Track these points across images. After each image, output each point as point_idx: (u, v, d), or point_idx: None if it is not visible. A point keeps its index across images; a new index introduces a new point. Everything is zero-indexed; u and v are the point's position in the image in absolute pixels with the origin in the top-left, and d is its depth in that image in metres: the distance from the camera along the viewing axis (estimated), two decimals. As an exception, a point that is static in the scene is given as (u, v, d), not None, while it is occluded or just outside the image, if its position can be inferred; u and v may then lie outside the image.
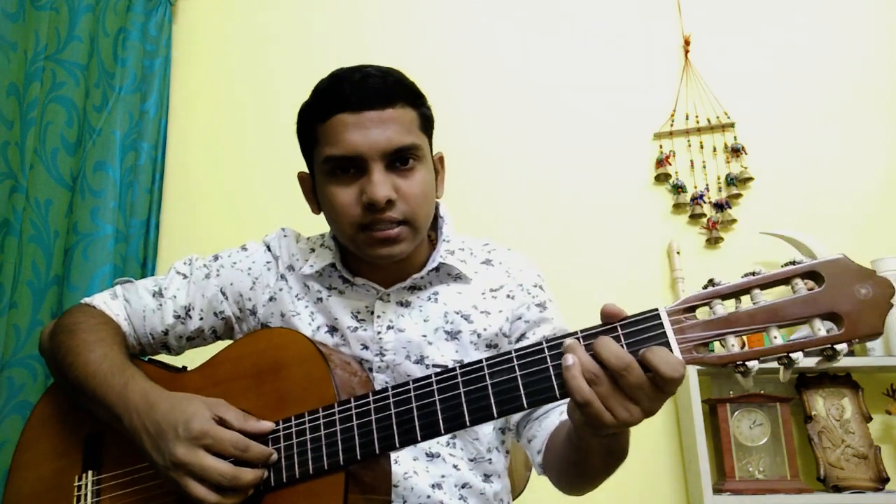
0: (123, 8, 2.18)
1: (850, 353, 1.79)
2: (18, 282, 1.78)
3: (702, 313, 0.73)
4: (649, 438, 1.94)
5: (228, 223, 2.21)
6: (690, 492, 1.87)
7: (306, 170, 1.08)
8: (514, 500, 1.17)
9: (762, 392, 1.86)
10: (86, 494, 0.96)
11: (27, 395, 1.73)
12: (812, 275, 0.69)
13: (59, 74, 1.95)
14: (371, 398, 0.84)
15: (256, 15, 2.42)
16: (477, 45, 2.32)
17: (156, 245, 2.14)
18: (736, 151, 2.12)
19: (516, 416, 1.06)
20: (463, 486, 0.99)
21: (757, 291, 0.70)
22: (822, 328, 0.67)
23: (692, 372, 1.81)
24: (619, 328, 0.74)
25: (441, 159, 1.07)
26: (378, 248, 0.96)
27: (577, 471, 0.94)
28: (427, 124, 1.02)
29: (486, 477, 1.03)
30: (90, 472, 0.98)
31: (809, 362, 1.86)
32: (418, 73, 2.40)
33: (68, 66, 1.96)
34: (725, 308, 0.71)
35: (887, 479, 1.77)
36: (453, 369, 0.81)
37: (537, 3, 2.34)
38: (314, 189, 1.04)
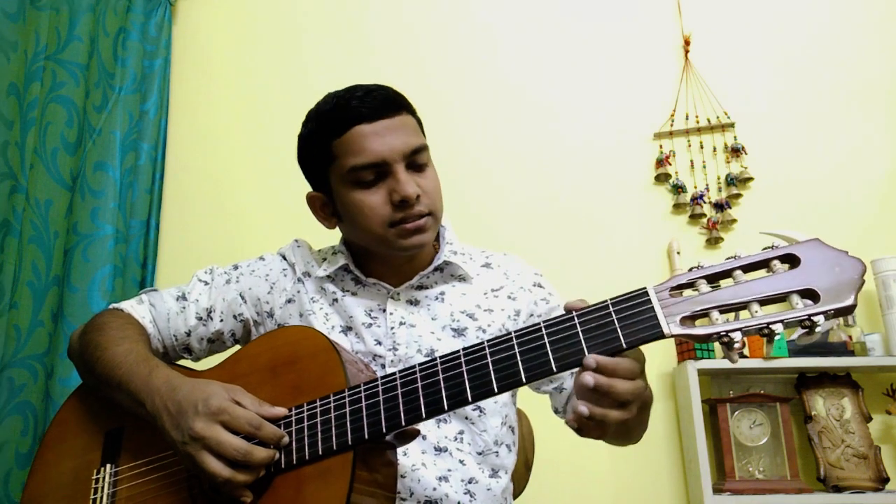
0: (123, 8, 2.18)
1: (850, 353, 1.82)
2: (18, 282, 1.78)
3: (688, 294, 0.77)
4: (649, 438, 1.93)
5: (228, 223, 2.21)
6: (690, 492, 1.87)
7: (305, 181, 1.14)
8: (514, 499, 1.18)
9: (762, 392, 1.87)
10: (103, 486, 1.00)
11: (27, 396, 1.73)
12: (790, 258, 0.74)
13: (60, 74, 1.95)
14: (379, 381, 0.88)
15: (256, 15, 2.43)
16: (477, 46, 2.32)
17: (156, 245, 2.14)
18: (736, 151, 2.12)
19: (561, 400, 1.15)
20: (469, 482, 1.02)
21: (739, 273, 0.75)
22: (799, 303, 0.71)
23: (692, 372, 1.81)
24: (610, 306, 0.78)
25: None
26: (410, 238, 1.04)
27: (624, 434, 1.05)
28: (422, 128, 1.12)
29: (494, 472, 1.06)
30: (108, 466, 1.01)
31: (808, 362, 1.85)
32: (418, 74, 2.42)
33: (68, 66, 1.97)
34: (710, 287, 0.76)
35: (887, 479, 1.77)
36: (457, 352, 0.85)
37: (538, 3, 2.34)
38: (327, 205, 1.12)
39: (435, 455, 1.02)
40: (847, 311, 0.70)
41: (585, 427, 0.80)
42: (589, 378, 0.75)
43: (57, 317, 1.84)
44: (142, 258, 2.08)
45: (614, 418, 0.77)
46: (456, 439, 1.04)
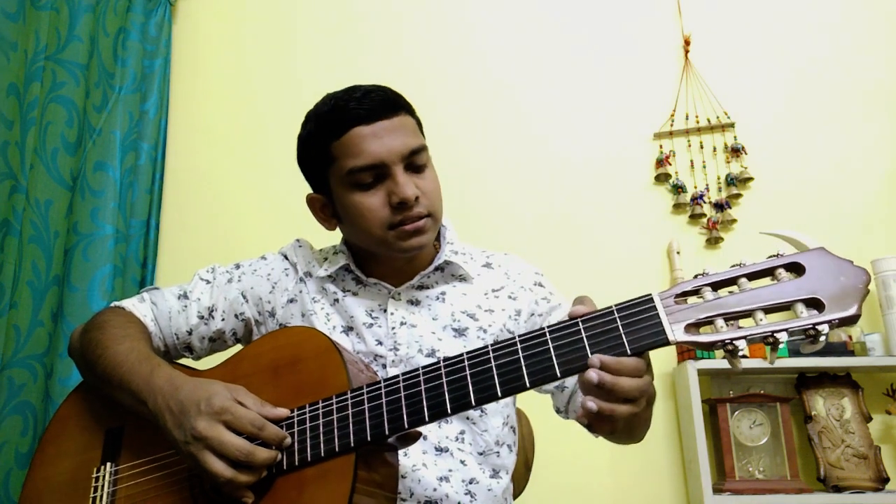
0: (123, 8, 2.18)
1: (850, 353, 1.82)
2: (18, 282, 1.78)
3: (692, 301, 0.78)
4: (649, 438, 1.93)
5: (228, 223, 2.21)
6: (690, 492, 1.87)
7: (306, 181, 1.15)
8: (514, 500, 1.18)
9: (762, 392, 1.87)
10: (103, 485, 0.99)
11: (27, 395, 1.73)
12: (794, 266, 0.74)
13: (60, 74, 1.95)
14: (382, 384, 0.88)
15: (256, 15, 2.43)
16: (476, 46, 2.32)
17: (156, 245, 2.14)
18: (736, 151, 2.12)
19: (562, 399, 1.14)
20: (470, 482, 1.02)
21: (744, 280, 0.76)
22: (804, 311, 0.72)
23: (692, 372, 1.81)
24: (615, 312, 0.79)
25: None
26: (410, 240, 1.04)
27: (628, 433, 1.05)
28: (422, 128, 1.12)
29: (495, 472, 1.06)
30: (108, 465, 1.01)
31: (808, 362, 1.85)
32: (417, 75, 2.41)
33: (68, 66, 1.97)
34: (715, 295, 0.76)
35: (887, 479, 1.77)
36: (460, 355, 0.85)
37: (537, 3, 2.34)
38: (327, 207, 1.12)
39: (436, 455, 1.02)
40: (851, 321, 0.70)
41: (595, 422, 0.80)
42: (593, 374, 0.76)
43: (57, 317, 1.84)
44: (142, 258, 2.08)
45: (623, 413, 0.77)
46: (457, 439, 1.04)
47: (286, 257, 1.20)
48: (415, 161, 1.05)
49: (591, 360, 0.77)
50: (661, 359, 1.98)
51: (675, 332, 0.75)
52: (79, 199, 1.94)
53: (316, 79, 2.29)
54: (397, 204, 1.02)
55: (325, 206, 1.12)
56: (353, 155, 1.02)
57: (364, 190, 1.04)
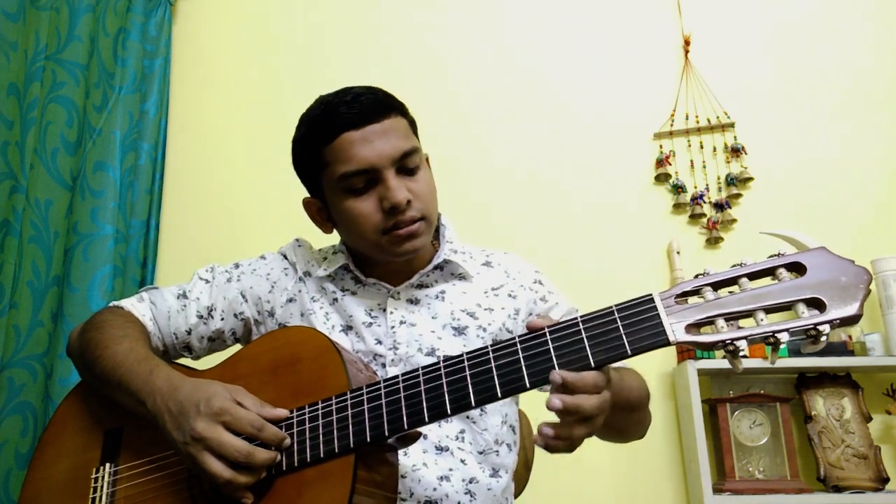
0: (123, 8, 2.18)
1: (850, 353, 1.82)
2: (18, 282, 1.78)
3: (693, 301, 0.77)
4: (649, 438, 1.93)
5: (228, 223, 2.21)
6: (690, 492, 1.87)
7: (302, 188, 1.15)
8: (514, 499, 1.18)
9: (762, 392, 1.87)
10: (102, 486, 0.99)
11: (27, 396, 1.73)
12: (796, 266, 0.74)
13: (60, 74, 1.95)
14: (382, 384, 0.88)
15: (256, 15, 2.43)
16: (478, 46, 2.32)
17: (156, 245, 2.14)
18: (736, 151, 2.12)
19: None
20: (470, 481, 1.02)
21: (744, 280, 0.75)
22: (805, 311, 0.71)
23: (692, 372, 1.81)
24: (615, 312, 0.78)
25: (427, 159, 1.14)
26: (403, 244, 1.04)
27: (617, 434, 1.13)
28: (415, 129, 1.11)
29: (495, 472, 1.05)
30: (108, 465, 1.01)
31: (808, 362, 1.85)
32: (416, 74, 2.41)
33: (68, 66, 1.97)
34: (715, 294, 0.76)
35: (887, 479, 1.77)
36: (460, 355, 0.85)
37: (538, 3, 2.34)
38: (323, 210, 1.12)
39: (436, 454, 1.02)
40: (853, 321, 0.70)
41: (552, 446, 0.79)
42: (557, 402, 0.76)
43: (57, 317, 1.84)
44: (142, 258, 2.08)
45: (580, 436, 0.78)
46: (457, 438, 1.03)
47: (285, 257, 1.20)
48: (406, 164, 1.04)
49: (553, 376, 0.77)
50: (661, 359, 1.98)
51: (676, 333, 0.75)
52: (79, 199, 1.94)
53: (316, 78, 2.29)
54: (389, 209, 1.01)
55: (321, 210, 1.12)
56: (343, 160, 1.02)
57: (356, 195, 1.03)
